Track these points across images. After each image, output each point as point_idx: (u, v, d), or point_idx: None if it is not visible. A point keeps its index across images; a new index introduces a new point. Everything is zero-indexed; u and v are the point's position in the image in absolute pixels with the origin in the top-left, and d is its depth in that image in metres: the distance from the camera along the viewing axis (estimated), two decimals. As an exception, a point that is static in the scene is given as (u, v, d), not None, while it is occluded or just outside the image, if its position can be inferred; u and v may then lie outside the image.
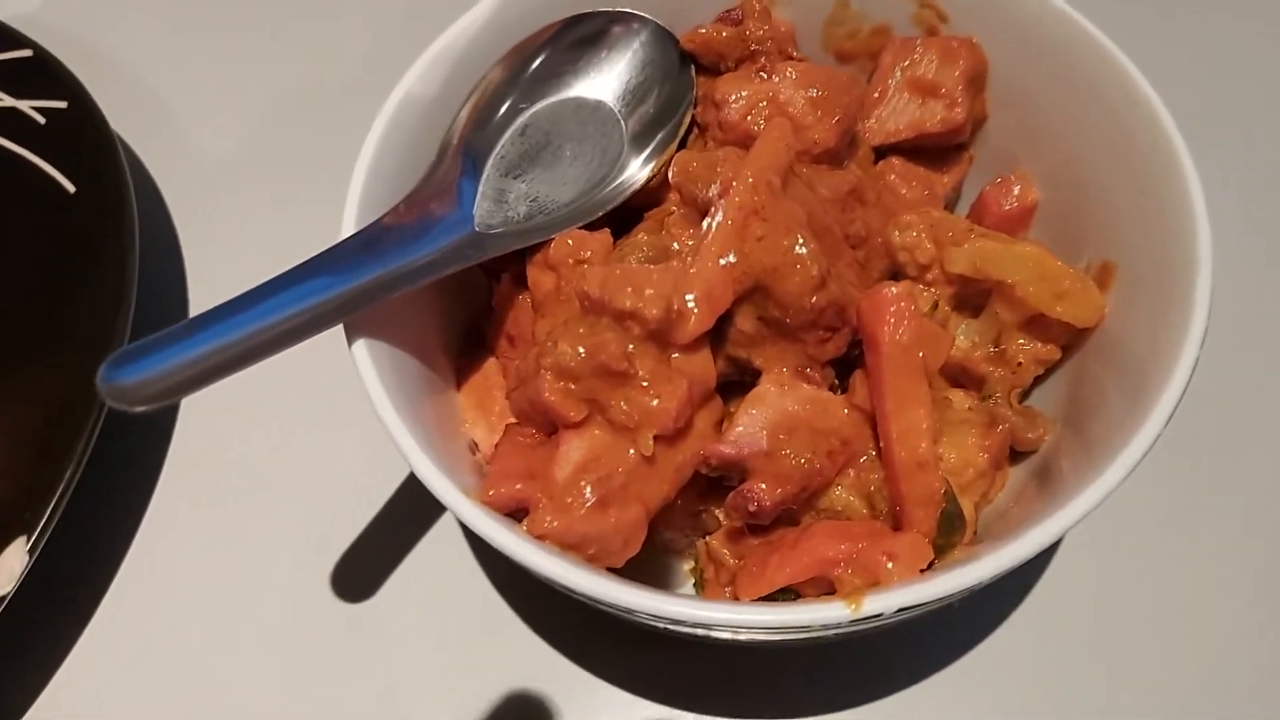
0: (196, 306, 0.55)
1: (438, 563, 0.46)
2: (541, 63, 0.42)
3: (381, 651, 0.45)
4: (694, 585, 0.41)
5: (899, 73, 0.43)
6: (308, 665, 0.44)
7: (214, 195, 0.59)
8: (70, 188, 0.54)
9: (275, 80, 0.64)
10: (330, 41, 0.65)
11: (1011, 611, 0.44)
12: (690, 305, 0.33)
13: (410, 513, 0.47)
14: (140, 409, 0.29)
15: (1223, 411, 0.48)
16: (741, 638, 0.33)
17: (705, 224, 0.35)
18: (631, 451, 0.33)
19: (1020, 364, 0.40)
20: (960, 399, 0.39)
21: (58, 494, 0.43)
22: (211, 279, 0.56)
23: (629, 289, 0.33)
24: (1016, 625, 0.44)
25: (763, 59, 0.40)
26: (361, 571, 0.46)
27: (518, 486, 0.33)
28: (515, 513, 0.33)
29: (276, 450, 0.50)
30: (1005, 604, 0.45)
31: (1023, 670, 0.43)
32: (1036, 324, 0.39)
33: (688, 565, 0.42)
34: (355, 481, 0.48)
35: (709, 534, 0.39)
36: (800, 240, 0.33)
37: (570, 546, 0.32)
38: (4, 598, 0.41)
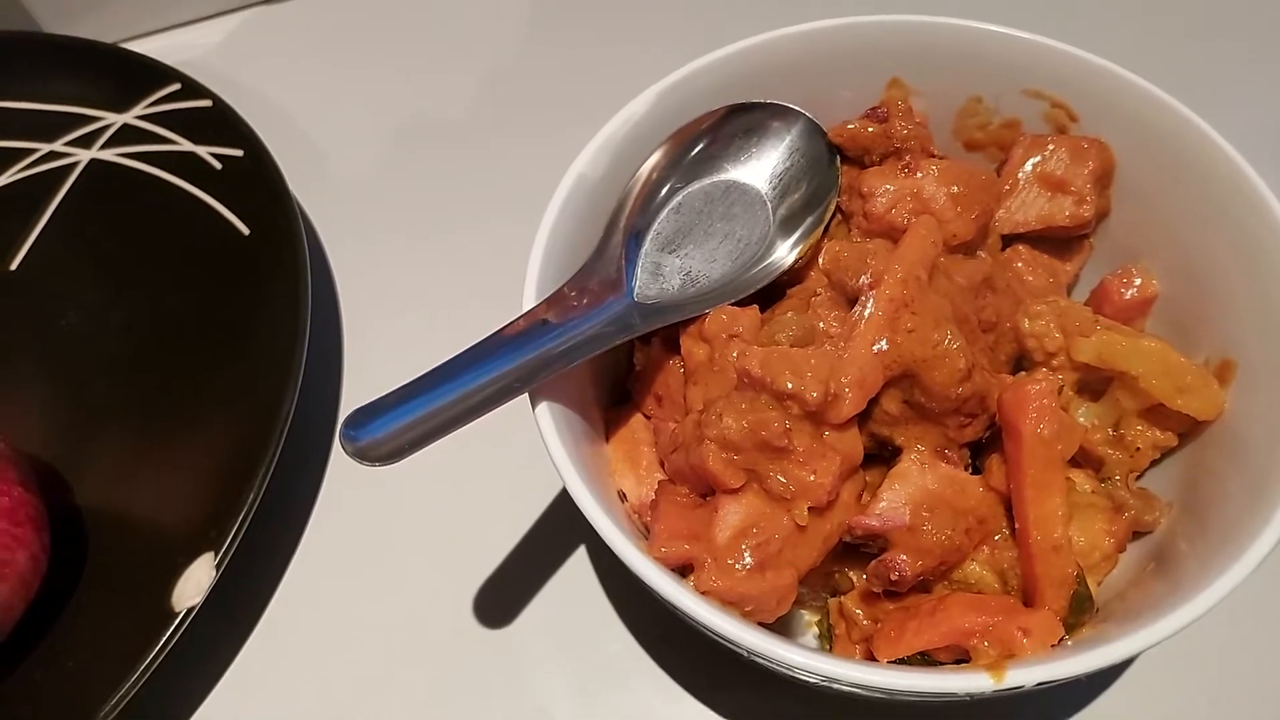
0: (351, 346, 0.60)
1: (569, 593, 0.50)
2: (701, 148, 0.45)
3: (519, 670, 0.48)
4: (817, 636, 0.44)
5: (1030, 167, 0.46)
6: (444, 674, 0.49)
7: (368, 245, 0.64)
8: (244, 230, 0.59)
9: (431, 151, 0.68)
10: (489, 121, 0.69)
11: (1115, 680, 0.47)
12: (845, 389, 0.36)
13: (546, 548, 0.52)
14: (378, 466, 0.33)
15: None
16: (884, 697, 0.36)
17: (856, 312, 0.38)
18: (786, 519, 0.36)
19: (1139, 449, 0.42)
20: (1081, 480, 0.41)
21: (241, 516, 0.47)
22: (364, 319, 0.61)
23: (789, 371, 0.36)
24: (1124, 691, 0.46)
25: (907, 155, 0.43)
26: (503, 599, 0.50)
27: (685, 546, 0.36)
28: (679, 569, 0.37)
29: (425, 485, 0.54)
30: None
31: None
32: (1156, 412, 0.41)
33: (808, 616, 0.46)
34: (493, 518, 0.52)
35: (838, 592, 0.42)
36: (950, 334, 0.37)
37: (730, 603, 0.35)
38: (193, 608, 0.46)
